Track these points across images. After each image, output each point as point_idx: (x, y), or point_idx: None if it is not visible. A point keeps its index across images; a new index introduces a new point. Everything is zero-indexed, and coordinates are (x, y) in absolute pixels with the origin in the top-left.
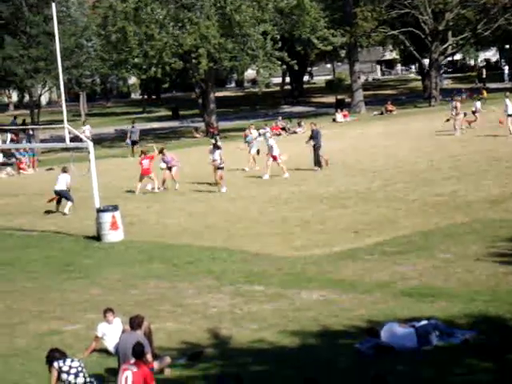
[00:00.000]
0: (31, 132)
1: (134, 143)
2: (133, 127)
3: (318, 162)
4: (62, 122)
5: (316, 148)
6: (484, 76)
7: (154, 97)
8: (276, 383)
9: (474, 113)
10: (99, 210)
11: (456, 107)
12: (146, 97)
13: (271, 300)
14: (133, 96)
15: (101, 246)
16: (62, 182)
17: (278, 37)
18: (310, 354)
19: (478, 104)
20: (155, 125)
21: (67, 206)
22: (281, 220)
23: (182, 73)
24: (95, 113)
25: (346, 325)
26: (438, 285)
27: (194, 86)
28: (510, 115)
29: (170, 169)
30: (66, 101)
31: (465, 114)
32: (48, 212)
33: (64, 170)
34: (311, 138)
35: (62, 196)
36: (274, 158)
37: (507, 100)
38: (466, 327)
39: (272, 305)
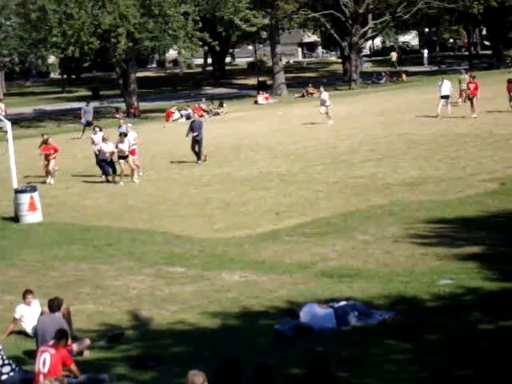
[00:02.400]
0: None
1: (88, 124)
2: (87, 106)
3: (197, 154)
4: None
5: (198, 140)
6: (394, 60)
7: (73, 76)
8: (196, 364)
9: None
10: (17, 191)
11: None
12: (65, 76)
13: (192, 281)
14: (52, 75)
15: (19, 227)
16: None
17: (198, 18)
18: (230, 334)
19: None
20: (75, 105)
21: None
22: (203, 202)
23: (102, 53)
24: (14, 92)
25: (267, 306)
26: (357, 266)
27: (115, 65)
28: (442, 97)
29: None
30: None
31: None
32: None
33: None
34: (191, 129)
35: None
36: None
37: (445, 81)
38: (384, 308)
39: (193, 286)
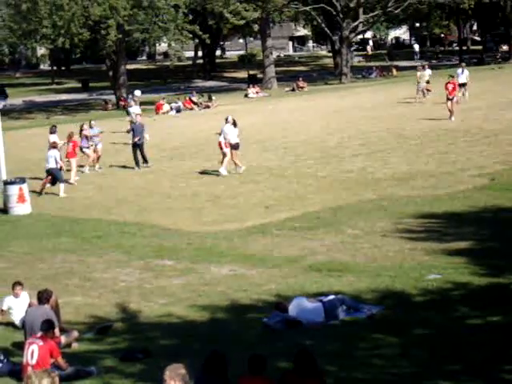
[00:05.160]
0: None
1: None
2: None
3: (143, 158)
4: None
5: (138, 144)
6: (369, 53)
7: (63, 68)
8: (184, 357)
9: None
10: (6, 183)
11: None
12: (55, 68)
13: (181, 274)
14: (42, 67)
15: (7, 218)
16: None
17: (186, 10)
18: (218, 327)
19: None
20: (64, 97)
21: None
22: (192, 195)
23: (92, 44)
24: (3, 83)
25: (255, 299)
26: (345, 260)
27: (105, 57)
28: (460, 85)
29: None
30: None
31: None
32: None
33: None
34: (132, 132)
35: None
36: None
37: (465, 70)
38: (373, 302)
39: (182, 279)
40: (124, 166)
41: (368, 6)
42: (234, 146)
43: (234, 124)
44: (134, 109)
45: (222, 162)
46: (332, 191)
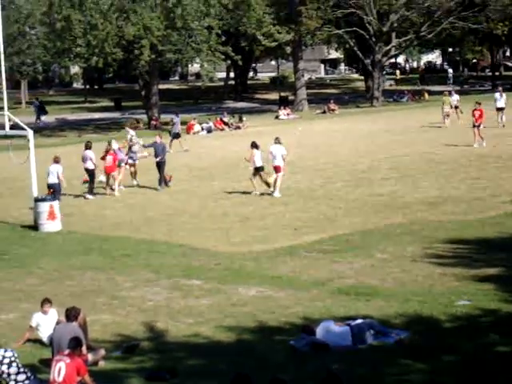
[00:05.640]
0: None
1: (176, 136)
2: (177, 116)
3: (163, 179)
4: (1, 109)
5: (161, 164)
6: (397, 77)
7: (96, 87)
8: (210, 377)
9: None
10: (37, 200)
11: None
12: (88, 87)
13: (208, 295)
14: (75, 85)
15: (38, 235)
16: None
17: (219, 31)
18: (245, 349)
19: None
20: (96, 115)
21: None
22: (221, 215)
23: (125, 64)
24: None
25: (282, 321)
26: (374, 284)
27: (138, 77)
28: (498, 109)
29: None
30: (6, 88)
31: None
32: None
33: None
34: (155, 154)
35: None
36: None
37: (503, 94)
38: (401, 327)
39: (209, 299)
40: (149, 187)
41: (401, 30)
42: (258, 169)
43: (256, 146)
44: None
45: (274, 185)
46: (361, 214)
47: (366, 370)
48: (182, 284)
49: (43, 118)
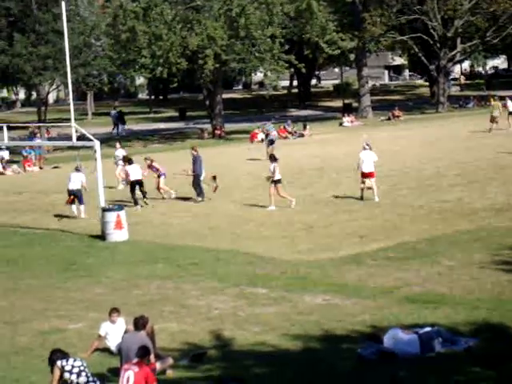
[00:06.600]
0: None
1: (271, 142)
2: (270, 124)
3: (200, 191)
4: (69, 120)
5: (196, 176)
6: (461, 82)
7: (161, 97)
8: None
9: None
10: (104, 209)
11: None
12: (153, 97)
13: (274, 303)
14: (140, 96)
15: (105, 245)
16: (77, 182)
17: (282, 40)
18: (311, 357)
19: None
20: (161, 125)
21: (82, 211)
22: (286, 223)
23: (190, 74)
24: (102, 112)
25: (349, 329)
26: (441, 292)
27: (202, 87)
28: None
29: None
30: (73, 99)
31: None
32: (59, 217)
33: (77, 169)
34: (193, 164)
35: (76, 196)
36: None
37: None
38: (470, 335)
39: (275, 308)
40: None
41: (466, 35)
42: (277, 181)
43: (275, 159)
44: (119, 152)
45: (362, 192)
46: (428, 221)
47: (434, 378)
48: (247, 292)
49: (121, 127)
